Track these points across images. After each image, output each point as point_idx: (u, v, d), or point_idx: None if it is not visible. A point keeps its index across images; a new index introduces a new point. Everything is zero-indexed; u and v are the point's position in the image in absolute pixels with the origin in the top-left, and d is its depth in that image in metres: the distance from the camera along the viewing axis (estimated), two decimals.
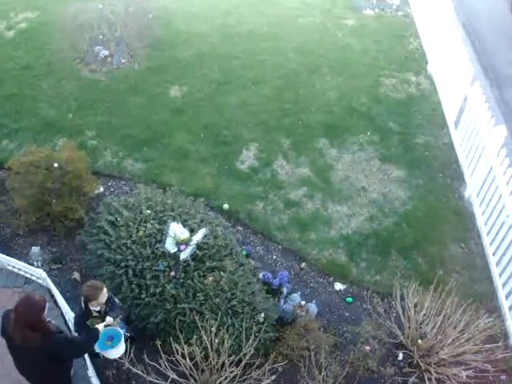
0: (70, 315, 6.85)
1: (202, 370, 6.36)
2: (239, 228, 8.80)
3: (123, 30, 11.66)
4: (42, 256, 8.13)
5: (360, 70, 11.91)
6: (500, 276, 8.01)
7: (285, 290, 7.71)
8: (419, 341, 7.00)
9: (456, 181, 9.62)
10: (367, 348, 7.31)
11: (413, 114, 10.85)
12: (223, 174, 9.56)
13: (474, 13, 13.68)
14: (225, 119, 10.53)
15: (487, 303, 7.66)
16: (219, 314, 6.72)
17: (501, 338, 7.12)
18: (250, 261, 7.97)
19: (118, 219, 7.58)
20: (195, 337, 6.39)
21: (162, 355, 6.22)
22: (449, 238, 8.79)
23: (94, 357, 6.71)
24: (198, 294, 6.92)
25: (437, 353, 6.84)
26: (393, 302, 7.57)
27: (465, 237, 8.82)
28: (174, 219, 7.51)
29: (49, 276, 7.54)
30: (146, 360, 6.32)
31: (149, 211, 7.62)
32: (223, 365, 6.30)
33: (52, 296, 7.55)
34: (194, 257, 7.20)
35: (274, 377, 6.62)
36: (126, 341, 6.16)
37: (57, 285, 7.62)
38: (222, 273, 7.09)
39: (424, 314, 7.04)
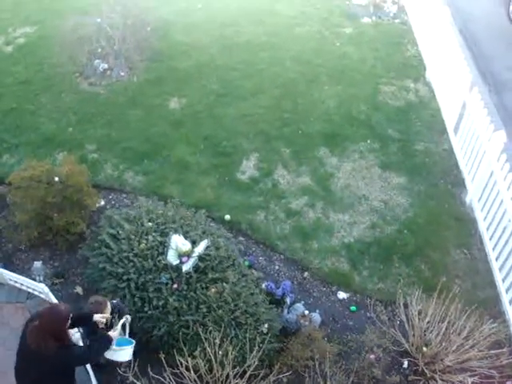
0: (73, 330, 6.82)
1: (207, 383, 6.33)
2: (241, 239, 8.78)
3: (122, 43, 11.69)
4: (44, 271, 8.11)
5: (358, 78, 11.93)
6: (503, 281, 7.98)
7: (288, 300, 7.70)
8: (424, 348, 6.97)
9: (457, 187, 9.61)
10: (372, 357, 7.27)
11: (412, 121, 10.86)
12: (224, 185, 9.56)
13: (470, 18, 13.72)
14: (224, 130, 10.54)
15: (491, 309, 7.63)
16: (223, 325, 6.70)
17: (506, 344, 7.08)
18: (253, 271, 7.97)
19: (120, 232, 7.58)
20: (199, 349, 6.38)
21: (166, 368, 6.20)
22: (451, 244, 8.77)
23: (99, 368, 6.73)
24: (200, 306, 6.91)
25: (442, 360, 6.81)
26: (396, 310, 7.55)
27: (467, 242, 8.81)
28: (175, 231, 7.51)
29: (51, 290, 7.52)
30: (150, 373, 6.28)
31: (150, 224, 7.62)
32: (228, 377, 6.27)
33: None
34: (196, 268, 7.19)
35: None
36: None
37: (59, 299, 7.60)
38: (224, 284, 7.07)
39: (428, 321, 7.01)
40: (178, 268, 7.16)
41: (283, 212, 9.16)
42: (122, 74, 11.78)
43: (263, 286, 7.75)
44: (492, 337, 6.74)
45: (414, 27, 13.34)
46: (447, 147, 10.30)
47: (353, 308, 7.99)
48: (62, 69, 11.75)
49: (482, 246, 8.70)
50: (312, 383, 6.76)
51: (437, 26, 11.25)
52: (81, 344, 6.70)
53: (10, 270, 7.91)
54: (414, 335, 7.07)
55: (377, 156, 10.11)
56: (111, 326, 6.24)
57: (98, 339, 6.00)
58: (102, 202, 9.12)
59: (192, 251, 7.28)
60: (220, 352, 6.29)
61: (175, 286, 7.05)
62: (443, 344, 6.83)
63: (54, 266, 8.36)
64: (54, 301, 7.38)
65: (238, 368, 6.30)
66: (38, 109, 11.00)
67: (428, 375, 6.87)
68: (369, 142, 10.38)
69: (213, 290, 7.02)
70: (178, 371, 6.18)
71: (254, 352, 6.36)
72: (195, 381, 6.21)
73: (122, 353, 6.26)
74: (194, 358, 6.20)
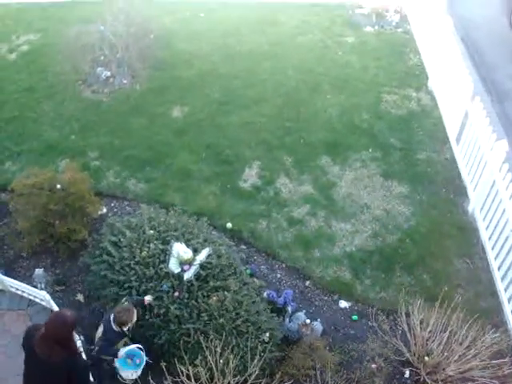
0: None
1: None
2: (243, 247, 8.78)
3: (125, 51, 11.72)
4: (45, 278, 8.10)
5: (361, 87, 11.95)
6: (505, 291, 7.97)
7: (289, 309, 7.69)
8: (426, 358, 6.94)
9: (459, 196, 9.61)
10: (373, 366, 7.25)
11: (414, 130, 10.86)
12: (226, 193, 9.56)
13: (473, 27, 13.74)
14: (227, 138, 10.56)
15: (493, 318, 7.61)
16: (224, 334, 6.69)
17: (508, 354, 7.04)
18: (254, 280, 7.97)
19: (121, 240, 7.58)
20: (200, 357, 6.37)
21: (167, 377, 6.19)
22: (453, 253, 8.75)
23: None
24: (202, 315, 6.90)
25: (444, 369, 6.78)
26: (398, 319, 7.50)
27: (469, 252, 8.79)
28: (177, 239, 7.50)
29: (52, 298, 7.52)
30: (151, 382, 6.27)
31: (152, 231, 7.62)
32: None
33: None
34: (197, 277, 7.18)
35: None
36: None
37: (60, 307, 7.58)
38: (226, 292, 7.06)
39: (430, 331, 6.98)
40: (179, 276, 7.15)
41: (285, 220, 9.16)
42: (125, 81, 11.81)
43: (265, 294, 7.74)
44: (494, 347, 6.70)
45: (417, 36, 13.37)
46: (449, 156, 10.30)
47: (354, 317, 7.98)
48: (64, 76, 11.79)
49: (484, 256, 8.68)
50: None
51: (439, 35, 11.27)
52: (82, 352, 6.69)
53: (12, 277, 7.92)
54: (415, 345, 7.05)
55: (379, 165, 10.11)
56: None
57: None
58: (104, 210, 9.13)
59: (193, 259, 7.28)
60: (221, 361, 6.28)
61: (176, 294, 7.05)
62: (445, 354, 6.80)
63: (55, 273, 8.36)
64: (55, 308, 7.37)
65: (239, 377, 6.29)
66: (40, 116, 11.03)
67: None
68: (371, 150, 10.38)
69: (214, 298, 7.01)
70: (178, 380, 6.16)
71: (255, 361, 6.35)
72: None
73: (127, 373, 6.38)
74: (195, 366, 6.19)
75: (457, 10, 14.01)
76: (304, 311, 7.89)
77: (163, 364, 6.37)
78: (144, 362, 6.47)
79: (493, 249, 8.42)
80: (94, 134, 10.64)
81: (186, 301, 7.00)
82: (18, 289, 7.87)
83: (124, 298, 6.81)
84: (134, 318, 6.48)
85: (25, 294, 7.88)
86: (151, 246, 7.40)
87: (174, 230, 7.71)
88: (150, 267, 7.22)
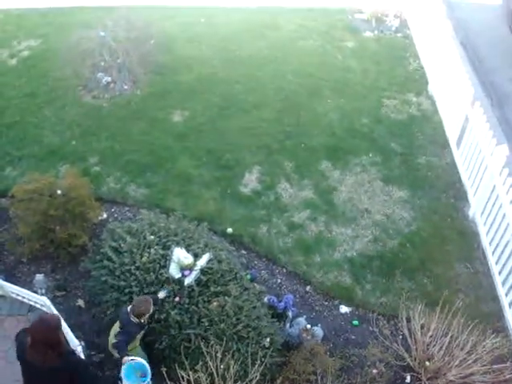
0: (74, 343, 6.81)
1: None
2: (243, 252, 8.77)
3: (125, 57, 11.73)
4: (45, 283, 8.10)
5: (361, 91, 11.97)
6: (506, 295, 7.97)
7: (290, 314, 7.68)
8: (427, 363, 6.94)
9: (460, 200, 9.61)
10: (374, 371, 7.24)
11: (414, 135, 10.88)
12: (226, 198, 9.56)
13: (472, 32, 13.79)
14: (227, 143, 10.56)
15: (494, 323, 7.60)
16: (224, 339, 6.68)
17: (509, 358, 7.04)
18: (255, 285, 7.94)
19: (122, 245, 7.57)
20: (200, 363, 6.34)
21: (168, 382, 6.17)
22: (454, 257, 8.76)
23: None
24: (202, 320, 6.89)
25: (444, 374, 6.77)
26: (399, 324, 7.52)
27: (470, 256, 8.79)
28: (177, 244, 7.49)
29: (53, 303, 7.48)
30: None
31: (152, 237, 7.61)
32: None
33: None
34: (198, 282, 7.18)
35: None
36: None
37: (61, 312, 7.56)
38: (226, 298, 7.05)
39: (431, 336, 6.99)
40: (179, 281, 7.15)
41: (285, 225, 9.16)
42: (126, 87, 11.82)
43: (265, 299, 7.73)
44: (495, 351, 6.71)
45: (417, 41, 13.40)
46: (450, 161, 10.31)
47: (355, 322, 7.97)
48: (65, 82, 11.80)
49: (484, 260, 8.69)
50: None
51: (439, 40, 11.29)
52: (83, 357, 6.69)
53: (12, 283, 7.89)
54: (416, 350, 7.05)
55: (379, 169, 10.12)
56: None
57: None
58: (105, 215, 9.12)
59: (194, 264, 7.27)
60: (222, 366, 6.27)
61: (177, 299, 7.04)
62: (446, 358, 6.80)
63: (55, 278, 8.35)
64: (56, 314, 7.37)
65: (239, 382, 6.28)
66: (41, 122, 11.03)
67: None
68: (371, 155, 10.39)
69: (215, 303, 7.00)
70: None
71: (256, 366, 6.34)
72: None
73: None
74: (195, 371, 6.17)
75: (456, 15, 14.07)
76: (304, 316, 7.87)
77: (164, 369, 6.36)
78: (148, 379, 6.37)
79: (493, 253, 8.43)
80: (94, 139, 10.64)
81: (186, 306, 6.99)
82: (18, 294, 7.86)
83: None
84: (151, 309, 6.54)
85: (25, 300, 7.87)
86: (152, 251, 7.39)
87: (174, 235, 7.70)
88: (150, 272, 7.21)
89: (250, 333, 6.89)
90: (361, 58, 13.03)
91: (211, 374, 6.23)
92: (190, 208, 9.26)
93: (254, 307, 7.21)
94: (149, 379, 6.32)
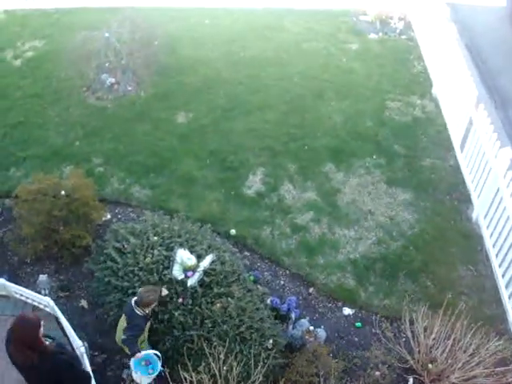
0: (77, 343, 6.81)
1: None
2: (246, 253, 8.78)
3: (129, 58, 11.75)
4: (49, 284, 8.11)
5: (365, 93, 11.96)
6: (510, 298, 7.95)
7: (293, 316, 7.68)
8: (429, 365, 6.92)
9: (463, 203, 9.60)
10: (377, 373, 7.23)
11: (418, 137, 10.86)
12: (230, 200, 9.57)
13: (477, 34, 13.75)
14: (231, 145, 10.57)
15: (497, 326, 7.60)
16: (227, 340, 6.67)
17: (511, 361, 7.03)
18: (258, 286, 7.96)
19: (125, 246, 7.59)
20: (203, 364, 6.36)
21: (171, 383, 6.17)
22: (457, 260, 8.74)
23: None
24: (205, 321, 6.90)
25: (447, 377, 6.76)
26: (402, 326, 7.50)
27: (473, 259, 8.78)
28: (181, 245, 7.50)
29: (56, 304, 7.48)
30: None
31: (156, 238, 7.62)
32: None
33: (59, 324, 7.51)
34: (201, 283, 7.19)
35: None
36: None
37: (64, 313, 7.59)
38: (229, 299, 7.06)
39: (434, 338, 6.97)
40: (183, 282, 7.15)
41: (289, 227, 9.16)
42: (130, 88, 11.85)
43: (268, 301, 7.73)
44: (498, 354, 6.68)
45: (421, 43, 13.38)
46: (453, 163, 10.30)
47: (358, 324, 7.96)
48: (69, 83, 11.84)
49: (488, 263, 8.67)
50: None
51: (443, 42, 11.28)
52: (86, 358, 6.70)
53: (16, 283, 7.90)
54: (419, 352, 7.03)
55: (383, 172, 10.11)
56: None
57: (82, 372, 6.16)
58: (108, 216, 9.14)
59: (197, 266, 7.28)
60: (224, 367, 6.26)
61: (180, 300, 7.05)
62: (449, 361, 6.79)
63: (59, 279, 8.37)
64: (59, 314, 7.38)
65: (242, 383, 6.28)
66: (45, 122, 11.06)
67: None
68: (375, 157, 10.38)
69: (218, 304, 7.01)
70: None
71: (259, 368, 6.34)
72: None
73: (137, 376, 6.50)
74: (198, 373, 6.17)
75: (461, 17, 14.03)
76: (307, 318, 7.89)
77: (166, 370, 6.37)
78: (157, 371, 6.47)
79: (497, 256, 8.41)
80: (98, 140, 10.67)
81: (189, 307, 7.00)
82: (22, 295, 7.87)
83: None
84: (157, 299, 6.65)
85: (29, 300, 7.87)
86: (155, 252, 7.40)
87: (177, 236, 7.71)
88: (153, 273, 7.22)
89: (253, 334, 6.89)
90: (365, 60, 13.02)
91: (214, 376, 6.24)
92: (193, 209, 9.27)
93: (257, 309, 7.22)
94: (159, 367, 6.44)
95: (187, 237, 7.75)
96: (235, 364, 6.29)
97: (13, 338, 5.40)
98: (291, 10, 14.76)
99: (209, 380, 6.17)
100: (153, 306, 6.61)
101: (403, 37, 13.92)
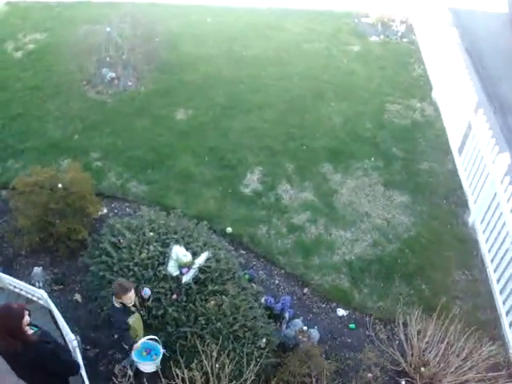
0: (70, 337, 6.80)
1: None
2: (242, 252, 8.77)
3: (130, 53, 11.74)
4: (43, 277, 8.10)
5: (365, 95, 11.96)
6: (504, 304, 7.95)
7: (287, 315, 7.67)
8: (422, 368, 6.92)
9: (460, 207, 9.61)
10: (369, 375, 7.22)
11: (417, 140, 10.87)
12: (227, 198, 9.56)
13: (478, 39, 13.78)
14: (230, 143, 10.57)
15: (491, 331, 7.58)
16: (220, 338, 6.66)
17: (504, 367, 7.02)
18: (253, 285, 7.95)
19: (121, 241, 7.58)
20: (196, 361, 6.33)
21: (162, 380, 6.15)
22: (452, 264, 8.75)
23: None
24: (199, 318, 6.89)
25: (440, 381, 6.75)
26: (395, 329, 7.51)
27: (469, 264, 8.78)
28: (176, 242, 7.50)
29: (50, 297, 7.48)
30: None
31: (152, 233, 7.62)
32: None
33: (53, 317, 7.51)
34: (196, 280, 7.18)
35: None
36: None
37: (58, 306, 7.57)
38: (224, 297, 7.06)
39: (427, 342, 6.97)
40: (177, 279, 7.15)
41: (285, 227, 9.16)
42: (130, 83, 11.84)
43: (262, 300, 7.73)
44: (491, 359, 6.68)
45: (422, 47, 13.40)
46: (451, 167, 10.31)
47: (351, 326, 7.96)
48: (70, 76, 11.83)
49: (483, 268, 8.67)
50: None
51: (444, 47, 11.29)
52: (78, 352, 6.69)
53: (10, 275, 7.89)
54: (412, 355, 7.03)
55: (380, 174, 10.11)
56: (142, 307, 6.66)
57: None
58: (105, 210, 9.13)
59: (192, 262, 7.28)
60: (217, 365, 6.24)
61: (174, 296, 7.05)
62: (441, 365, 6.79)
63: (53, 272, 8.35)
64: (53, 307, 7.37)
65: (234, 382, 6.25)
66: (44, 115, 11.05)
67: None
68: (373, 159, 10.38)
69: (212, 302, 7.00)
70: (173, 383, 6.14)
71: (251, 366, 6.31)
72: None
73: (146, 367, 6.52)
74: (190, 370, 6.15)
75: (462, 22, 14.06)
76: (301, 318, 7.87)
77: (159, 367, 6.37)
78: (161, 355, 6.47)
79: (492, 261, 8.42)
80: (97, 134, 10.66)
81: (183, 304, 7.00)
82: (15, 287, 7.86)
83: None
84: (125, 300, 6.33)
85: (22, 292, 7.87)
86: (151, 248, 7.40)
87: (173, 232, 7.71)
88: (148, 269, 7.22)
89: (247, 333, 6.89)
90: (366, 62, 13.03)
91: (206, 373, 6.21)
92: (190, 206, 9.27)
93: (251, 307, 7.21)
94: (161, 349, 6.47)
95: (183, 233, 7.75)
96: (228, 362, 6.27)
97: None
98: (293, 10, 14.77)
99: (201, 377, 6.15)
100: (127, 300, 6.35)
101: (404, 40, 13.93)
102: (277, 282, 8.45)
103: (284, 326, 7.59)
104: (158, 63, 12.23)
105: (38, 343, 5.57)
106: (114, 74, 11.80)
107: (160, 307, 6.97)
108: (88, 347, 7.43)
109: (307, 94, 11.90)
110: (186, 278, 7.15)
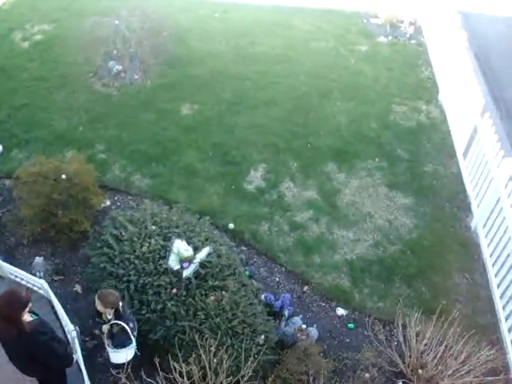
0: (69, 328, 6.81)
1: None
2: (243, 248, 8.77)
3: (138, 47, 11.75)
4: (44, 267, 8.12)
5: (371, 96, 11.96)
6: (504, 309, 7.94)
7: (286, 313, 7.67)
8: (420, 370, 6.91)
9: (463, 211, 9.59)
10: (367, 375, 7.22)
11: (422, 142, 10.86)
12: (230, 194, 9.56)
13: (487, 44, 13.75)
14: (234, 139, 10.57)
15: (489, 335, 7.56)
16: (219, 333, 6.67)
17: (502, 371, 7.01)
18: (253, 282, 7.96)
19: (123, 233, 7.58)
20: (194, 355, 6.33)
21: (160, 373, 6.16)
22: (454, 267, 8.73)
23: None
24: (198, 313, 6.89)
25: (437, 383, 6.75)
26: (394, 330, 7.51)
27: (470, 267, 8.76)
28: (178, 236, 7.49)
29: (50, 287, 7.49)
30: (144, 377, 6.26)
31: (154, 227, 7.62)
32: None
33: (52, 307, 7.52)
34: (196, 275, 7.18)
35: None
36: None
37: (58, 296, 7.58)
38: (223, 292, 7.06)
39: (425, 344, 6.96)
40: (178, 273, 7.15)
41: (287, 224, 9.15)
42: (136, 77, 11.85)
43: (262, 297, 7.74)
44: (489, 364, 6.67)
45: (430, 49, 13.39)
46: (455, 171, 10.30)
47: (350, 325, 7.95)
48: (76, 68, 11.85)
49: (484, 272, 8.66)
50: None
51: (452, 50, 11.27)
52: (77, 343, 6.69)
53: (11, 264, 7.90)
54: (410, 357, 7.03)
55: (384, 175, 10.10)
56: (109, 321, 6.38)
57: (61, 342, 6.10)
58: (108, 203, 9.14)
59: (193, 257, 7.27)
60: (215, 360, 6.26)
61: (174, 290, 7.04)
62: (439, 367, 6.78)
63: (54, 262, 8.36)
64: (53, 297, 7.38)
65: (231, 377, 6.26)
66: (50, 106, 11.08)
67: None
68: (377, 160, 10.37)
69: (212, 297, 7.00)
70: (171, 376, 6.15)
71: (249, 362, 6.32)
72: None
73: (116, 355, 6.38)
74: (188, 364, 6.16)
75: (471, 25, 14.02)
76: (300, 316, 7.87)
77: (156, 360, 6.35)
78: (127, 347, 6.35)
79: (493, 266, 8.40)
80: (102, 126, 10.67)
81: (183, 298, 7.00)
82: (16, 276, 7.88)
83: None
84: (100, 309, 6.31)
85: (23, 282, 7.88)
86: (152, 241, 7.40)
87: (175, 226, 7.71)
88: (149, 262, 7.22)
89: (245, 329, 6.89)
90: (373, 62, 13.02)
91: (204, 368, 6.23)
92: (193, 201, 9.27)
93: (251, 304, 7.21)
94: (134, 343, 6.35)
95: (185, 228, 7.75)
96: (226, 357, 6.28)
97: None
98: (302, 9, 14.79)
99: (198, 372, 6.16)
100: (102, 311, 6.34)
101: (413, 41, 13.93)
102: (277, 279, 8.45)
103: (283, 324, 7.59)
104: (165, 57, 12.25)
105: (33, 333, 5.56)
106: (120, 67, 11.81)
107: (159, 301, 6.97)
108: (87, 339, 7.43)
109: (313, 92, 11.90)
110: (186, 273, 7.15)
